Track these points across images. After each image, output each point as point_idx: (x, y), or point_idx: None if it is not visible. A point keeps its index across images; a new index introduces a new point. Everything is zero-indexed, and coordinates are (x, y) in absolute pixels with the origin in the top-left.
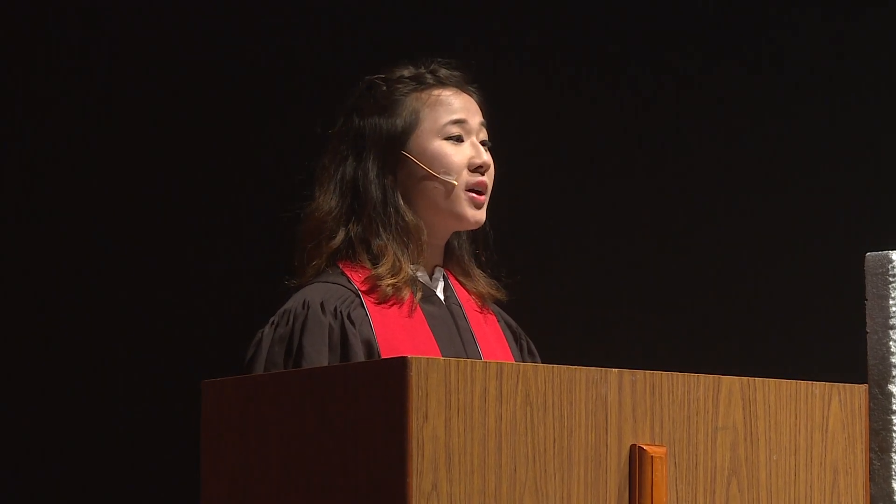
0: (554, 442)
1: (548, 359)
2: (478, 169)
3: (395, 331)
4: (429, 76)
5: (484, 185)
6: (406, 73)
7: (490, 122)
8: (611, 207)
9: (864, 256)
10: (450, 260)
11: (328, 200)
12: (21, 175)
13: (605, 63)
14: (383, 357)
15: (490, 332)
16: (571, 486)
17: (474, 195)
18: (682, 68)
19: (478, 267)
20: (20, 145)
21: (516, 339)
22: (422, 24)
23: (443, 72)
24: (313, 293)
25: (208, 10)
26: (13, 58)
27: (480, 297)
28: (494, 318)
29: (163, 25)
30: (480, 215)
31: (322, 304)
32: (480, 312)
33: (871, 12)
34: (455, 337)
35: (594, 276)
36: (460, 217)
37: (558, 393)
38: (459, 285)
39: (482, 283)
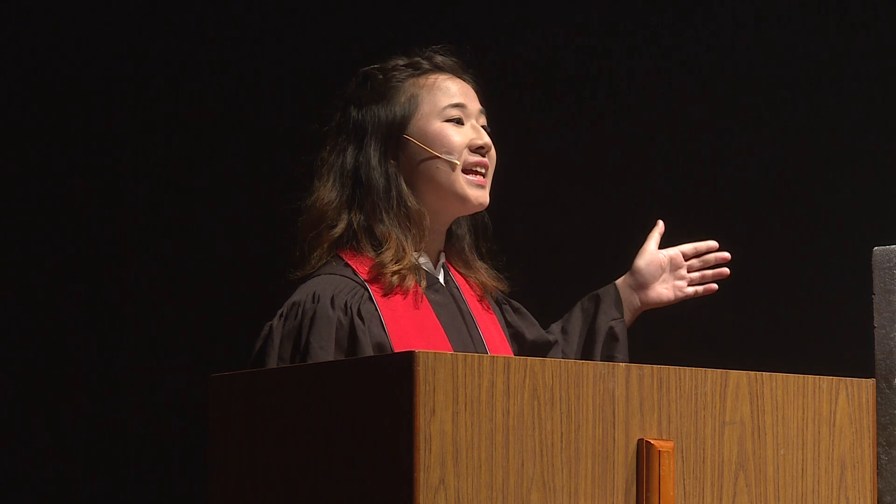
0: (561, 436)
1: None
2: (479, 150)
3: (405, 326)
4: (424, 62)
5: (485, 164)
6: (400, 61)
7: (488, 110)
8: (615, 199)
9: (872, 251)
10: (450, 250)
11: (328, 191)
12: (25, 174)
13: (605, 51)
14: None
15: (487, 318)
16: (579, 480)
17: (476, 177)
18: (686, 61)
19: (479, 258)
20: (22, 143)
21: (500, 308)
22: (414, 18)
23: (438, 58)
24: (323, 286)
25: (205, 8)
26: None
27: (483, 288)
28: (489, 303)
29: (160, 23)
30: (483, 196)
31: (332, 299)
32: (477, 297)
33: (876, 8)
34: (460, 323)
35: (598, 270)
36: (463, 198)
37: (566, 387)
38: (457, 273)
39: (483, 274)
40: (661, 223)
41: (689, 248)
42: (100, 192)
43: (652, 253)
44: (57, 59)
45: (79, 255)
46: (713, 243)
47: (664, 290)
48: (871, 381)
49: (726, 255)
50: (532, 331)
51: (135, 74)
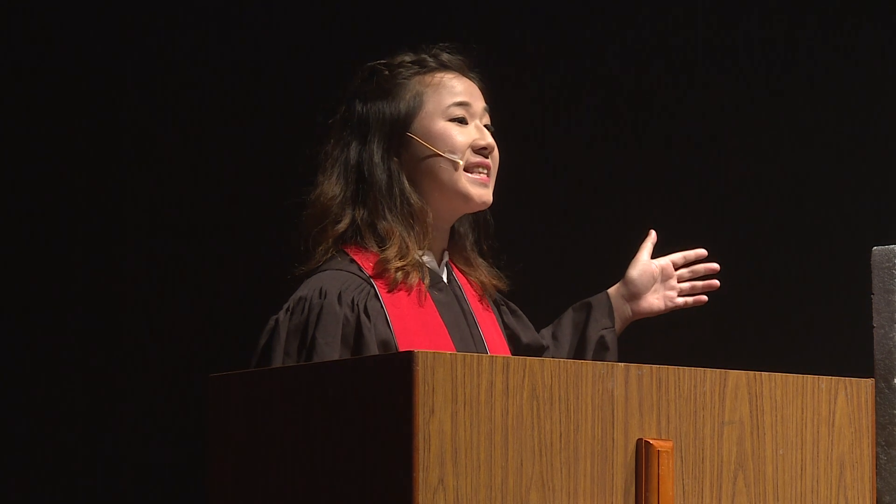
0: (560, 436)
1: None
2: (481, 150)
3: (410, 324)
4: (431, 60)
5: (487, 165)
6: (407, 58)
7: (492, 109)
8: (617, 198)
9: (871, 250)
10: (453, 248)
11: (332, 186)
12: (25, 172)
13: (609, 50)
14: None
15: (487, 318)
16: (578, 480)
17: (479, 175)
18: (686, 61)
19: (480, 256)
20: (22, 141)
21: (498, 309)
22: (420, 13)
23: (444, 56)
24: (330, 281)
25: (207, 3)
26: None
27: (482, 288)
28: (488, 303)
29: (162, 16)
30: (487, 195)
31: (339, 295)
32: (478, 297)
33: (874, 10)
34: (462, 322)
35: (599, 269)
36: (466, 197)
37: (565, 387)
38: (459, 272)
39: (484, 272)
40: (653, 233)
41: (678, 257)
42: (99, 190)
43: (644, 263)
44: (57, 56)
45: (78, 255)
46: (702, 251)
47: (655, 300)
48: (870, 381)
49: (715, 266)
50: (527, 334)
51: (136, 70)
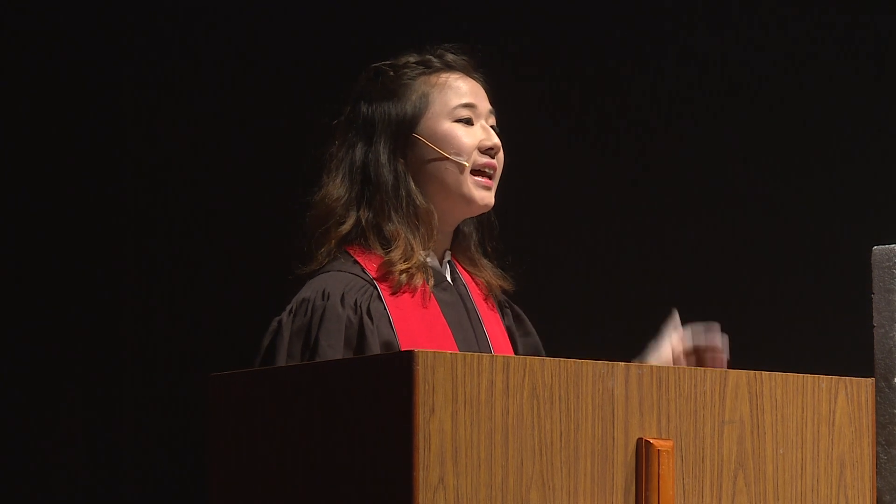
0: (560, 435)
1: (554, 352)
2: (488, 151)
3: (413, 325)
4: (435, 60)
5: (493, 166)
6: (412, 58)
7: (496, 110)
8: (619, 199)
9: (871, 250)
10: (457, 248)
11: (337, 187)
12: (25, 170)
13: (616, 54)
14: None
15: (492, 318)
16: (578, 479)
17: (483, 178)
18: (686, 60)
19: (484, 257)
20: (22, 140)
21: (502, 312)
22: (420, 13)
23: (449, 56)
24: (333, 283)
25: (208, 3)
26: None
27: (487, 288)
28: (493, 303)
29: (166, 16)
30: (489, 198)
31: (342, 297)
32: (483, 296)
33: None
34: (466, 322)
35: (601, 268)
36: (469, 200)
37: (565, 386)
38: (464, 271)
39: (489, 273)
40: (675, 314)
41: (689, 348)
42: (100, 189)
43: (665, 355)
44: (58, 55)
45: (78, 254)
46: (714, 333)
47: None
48: (870, 381)
49: (717, 345)
50: (526, 340)
51: (137, 70)
